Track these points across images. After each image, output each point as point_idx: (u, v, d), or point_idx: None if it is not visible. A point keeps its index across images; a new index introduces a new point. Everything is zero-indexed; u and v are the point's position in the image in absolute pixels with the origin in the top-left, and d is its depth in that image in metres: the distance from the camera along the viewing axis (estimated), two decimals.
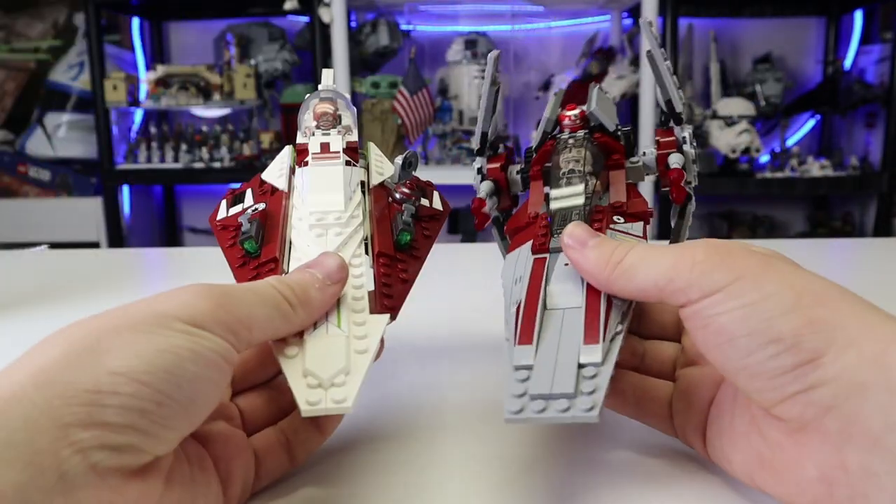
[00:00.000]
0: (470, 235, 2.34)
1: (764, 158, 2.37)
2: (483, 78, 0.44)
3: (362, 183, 0.40)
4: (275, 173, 0.41)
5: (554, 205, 0.36)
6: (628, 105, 2.36)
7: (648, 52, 0.39)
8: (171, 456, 0.26)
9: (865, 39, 2.44)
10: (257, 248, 0.35)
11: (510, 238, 0.40)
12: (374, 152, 0.43)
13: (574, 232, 0.31)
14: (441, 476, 0.33)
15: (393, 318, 0.33)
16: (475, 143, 0.44)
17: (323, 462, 0.34)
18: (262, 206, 0.38)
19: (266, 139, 2.40)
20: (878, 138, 2.37)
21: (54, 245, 2.46)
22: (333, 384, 0.29)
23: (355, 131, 0.42)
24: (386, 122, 2.24)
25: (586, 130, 0.40)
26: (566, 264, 0.32)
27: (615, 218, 0.36)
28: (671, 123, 0.40)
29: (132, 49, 2.64)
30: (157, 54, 2.65)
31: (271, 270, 0.34)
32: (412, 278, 0.36)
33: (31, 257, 0.96)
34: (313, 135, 0.40)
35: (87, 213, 2.63)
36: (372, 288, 0.34)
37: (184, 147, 2.44)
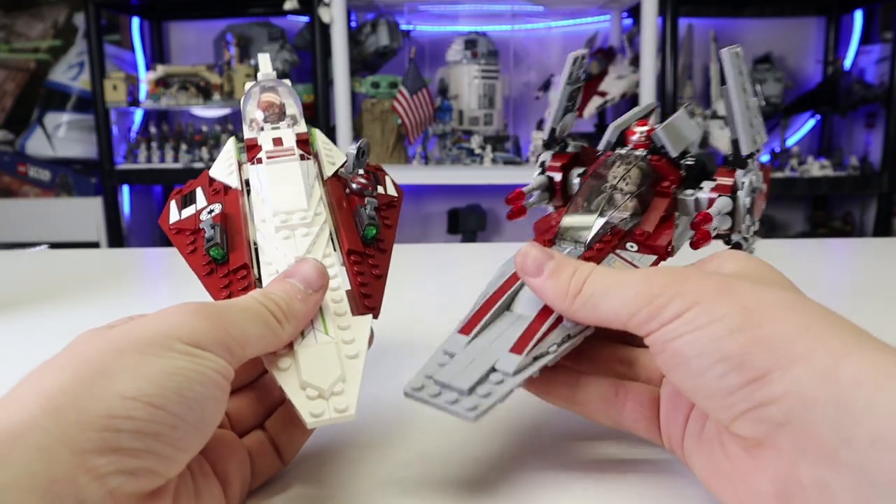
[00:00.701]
0: (470, 235, 2.34)
1: (764, 158, 2.37)
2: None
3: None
4: (223, 170, 0.40)
5: (564, 223, 0.36)
6: (628, 105, 2.36)
7: (724, 86, 0.38)
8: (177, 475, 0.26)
9: (865, 39, 2.44)
10: (224, 255, 0.35)
11: (535, 235, 0.40)
12: (321, 139, 0.42)
13: (529, 253, 0.31)
14: (441, 476, 0.33)
15: (375, 316, 0.33)
16: (545, 137, 0.45)
17: (318, 462, 0.34)
18: (218, 206, 0.37)
19: None
20: (878, 138, 2.36)
21: (54, 245, 2.46)
22: (333, 393, 0.29)
23: (301, 120, 0.41)
24: (386, 122, 2.24)
25: (647, 150, 0.39)
26: None
27: (629, 245, 0.36)
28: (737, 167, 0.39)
29: (132, 49, 2.64)
30: (157, 54, 2.65)
31: (243, 278, 0.34)
32: (384, 273, 0.36)
33: (31, 257, 0.96)
34: (262, 129, 0.39)
35: (87, 213, 2.63)
36: (348, 287, 0.34)
37: (184, 147, 2.44)
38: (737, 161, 0.38)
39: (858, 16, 2.44)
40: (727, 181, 0.38)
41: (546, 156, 0.44)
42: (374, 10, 2.35)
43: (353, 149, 0.38)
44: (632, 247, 0.36)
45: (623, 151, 0.40)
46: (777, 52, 2.44)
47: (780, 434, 0.24)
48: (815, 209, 2.60)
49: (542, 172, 0.44)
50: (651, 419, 0.32)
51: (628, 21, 2.45)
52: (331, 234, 0.36)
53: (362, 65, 2.35)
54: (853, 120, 2.48)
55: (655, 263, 0.35)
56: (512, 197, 0.43)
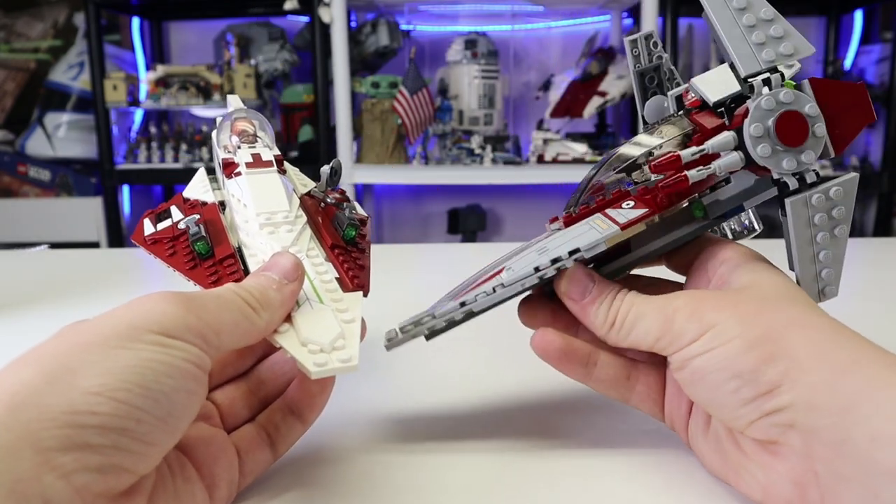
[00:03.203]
0: (470, 235, 2.34)
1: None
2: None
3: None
4: (198, 190, 0.41)
5: (623, 147, 0.35)
6: (628, 105, 2.36)
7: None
8: (153, 474, 0.26)
9: (865, 39, 2.44)
10: (210, 249, 0.35)
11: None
12: (292, 170, 0.44)
13: (573, 277, 0.33)
14: (438, 476, 0.33)
15: (365, 294, 0.34)
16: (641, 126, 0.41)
17: (312, 464, 0.34)
18: (197, 215, 0.38)
19: None
20: (878, 138, 2.36)
21: (54, 245, 2.46)
22: (335, 348, 0.29)
23: (275, 148, 0.42)
24: (386, 122, 2.24)
25: (696, 107, 0.35)
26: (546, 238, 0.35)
27: (624, 204, 0.34)
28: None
29: (132, 49, 2.64)
30: (157, 54, 2.65)
31: (231, 265, 0.34)
32: (368, 265, 0.36)
33: (31, 257, 0.96)
34: (239, 148, 0.40)
35: (87, 213, 2.63)
36: (336, 275, 0.34)
37: (184, 147, 2.44)
38: (742, 86, 0.33)
39: (858, 16, 2.44)
40: (712, 121, 0.33)
41: None
42: (374, 10, 2.35)
43: (326, 169, 0.39)
44: (628, 204, 0.34)
45: (679, 112, 0.37)
46: None
47: (790, 434, 0.27)
48: None
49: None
50: (656, 401, 0.35)
51: (628, 21, 2.45)
52: (313, 235, 0.36)
53: (362, 65, 2.35)
54: None
55: (640, 217, 0.32)
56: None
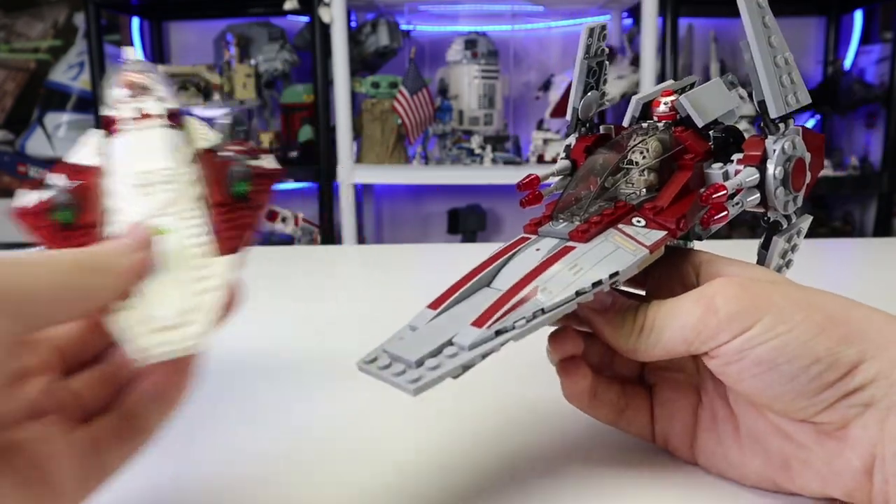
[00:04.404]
0: (470, 235, 2.34)
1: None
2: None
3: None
4: (80, 154, 0.37)
5: (561, 204, 0.33)
6: (627, 105, 2.36)
7: (743, 41, 0.34)
8: None
9: (865, 39, 2.44)
10: (73, 218, 0.32)
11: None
12: (196, 123, 0.39)
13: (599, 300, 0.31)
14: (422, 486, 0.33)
15: (236, 255, 0.30)
16: (567, 118, 0.41)
17: (292, 468, 0.34)
18: (75, 183, 0.34)
19: (266, 139, 2.39)
20: (878, 138, 2.36)
21: None
22: (179, 324, 0.26)
23: (171, 101, 0.38)
24: (386, 122, 2.24)
25: (672, 121, 0.36)
26: (537, 249, 0.31)
27: (636, 220, 0.32)
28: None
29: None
30: (157, 54, 2.65)
31: (84, 235, 0.31)
32: (255, 223, 0.33)
33: None
34: (124, 103, 0.37)
35: None
36: (210, 238, 0.31)
37: None
38: (766, 124, 0.34)
39: (858, 16, 2.44)
40: (754, 152, 0.34)
41: (571, 139, 0.41)
42: (374, 10, 2.35)
43: (225, 118, 0.36)
44: (639, 222, 0.32)
45: (644, 124, 0.36)
46: None
47: (867, 414, 0.27)
48: (815, 209, 2.60)
49: (567, 157, 0.40)
50: (645, 423, 0.34)
51: (628, 21, 2.45)
52: (199, 196, 0.33)
53: (362, 65, 2.35)
54: (853, 120, 2.48)
55: (663, 240, 0.32)
56: (525, 182, 0.38)
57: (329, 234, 2.37)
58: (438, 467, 0.34)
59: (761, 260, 0.36)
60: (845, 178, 2.29)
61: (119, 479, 0.27)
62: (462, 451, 0.35)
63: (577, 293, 0.28)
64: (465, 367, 0.26)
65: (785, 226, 0.35)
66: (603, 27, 0.39)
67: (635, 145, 0.34)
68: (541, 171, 0.39)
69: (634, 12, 2.31)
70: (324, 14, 2.12)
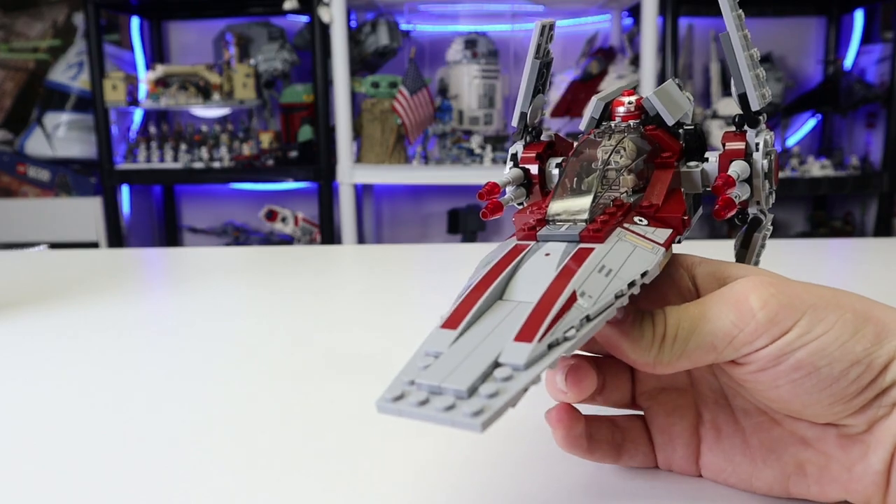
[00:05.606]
0: (470, 235, 2.34)
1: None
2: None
3: None
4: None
5: (553, 209, 0.31)
6: None
7: (723, 33, 0.33)
8: None
9: (866, 39, 2.44)
10: None
11: (516, 227, 0.33)
12: None
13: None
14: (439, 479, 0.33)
15: None
16: (514, 123, 0.39)
17: (287, 478, 0.34)
18: None
19: (266, 139, 2.40)
20: (878, 138, 2.36)
21: (54, 245, 2.46)
22: None
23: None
24: (386, 122, 2.24)
25: (639, 120, 0.35)
26: (547, 254, 0.28)
27: (637, 219, 0.31)
28: (746, 126, 0.34)
29: (132, 49, 2.64)
30: (156, 54, 2.65)
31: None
32: None
33: (30, 257, 0.96)
34: None
35: (86, 213, 2.63)
36: None
37: (183, 147, 2.44)
38: (747, 119, 0.33)
39: (859, 15, 2.44)
40: (738, 145, 0.33)
41: (517, 146, 0.39)
42: (374, 10, 2.35)
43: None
44: (641, 220, 0.31)
45: (612, 124, 0.35)
46: (777, 52, 2.44)
47: (893, 415, 0.26)
48: (816, 209, 2.60)
49: (516, 165, 0.38)
50: (647, 452, 0.32)
51: (628, 21, 2.45)
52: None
53: (362, 65, 2.35)
54: (854, 120, 2.48)
55: (672, 237, 0.30)
56: (486, 190, 0.35)
57: (329, 233, 2.37)
58: (439, 467, 0.34)
59: (741, 260, 0.36)
60: (846, 178, 2.29)
61: (119, 478, 0.27)
62: (463, 451, 0.35)
63: (616, 296, 0.26)
64: (525, 389, 0.23)
65: (764, 221, 0.35)
66: (552, 26, 0.37)
67: (615, 146, 0.33)
68: (499, 177, 0.37)
69: (634, 12, 2.32)
70: (323, 14, 2.12)
